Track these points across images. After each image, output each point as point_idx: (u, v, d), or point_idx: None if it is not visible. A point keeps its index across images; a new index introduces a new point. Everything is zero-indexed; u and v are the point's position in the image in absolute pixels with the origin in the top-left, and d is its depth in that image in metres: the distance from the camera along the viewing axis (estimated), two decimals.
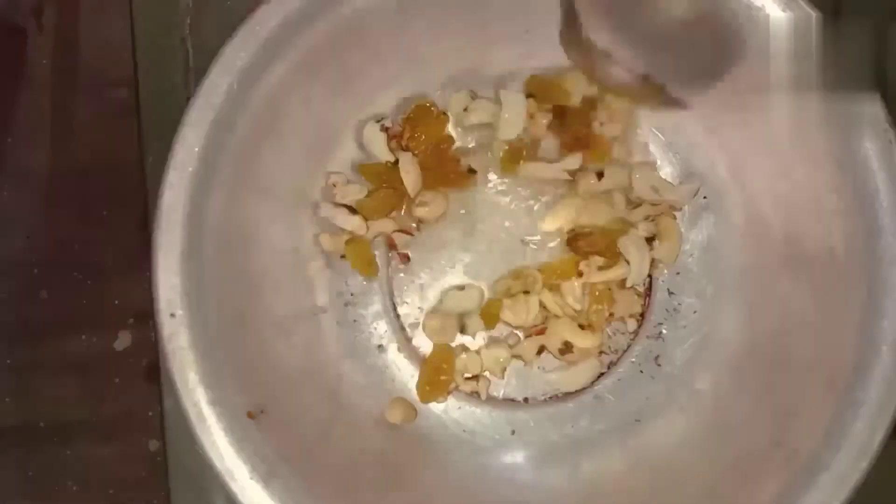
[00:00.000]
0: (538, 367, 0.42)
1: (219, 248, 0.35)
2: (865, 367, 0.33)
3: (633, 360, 0.41)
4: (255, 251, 0.38)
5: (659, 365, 0.41)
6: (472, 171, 0.42)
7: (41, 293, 0.45)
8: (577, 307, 0.41)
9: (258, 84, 0.35)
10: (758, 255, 0.40)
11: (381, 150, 0.41)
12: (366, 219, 0.41)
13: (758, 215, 0.40)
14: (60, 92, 0.46)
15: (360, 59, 0.39)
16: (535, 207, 0.42)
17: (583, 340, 0.41)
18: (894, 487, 0.36)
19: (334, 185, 0.41)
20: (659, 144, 0.42)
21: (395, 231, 0.42)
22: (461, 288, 0.42)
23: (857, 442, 0.33)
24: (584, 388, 0.41)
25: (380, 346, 0.42)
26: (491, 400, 0.41)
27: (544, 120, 0.42)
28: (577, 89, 0.42)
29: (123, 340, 0.44)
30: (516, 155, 0.42)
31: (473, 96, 0.42)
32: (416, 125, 0.42)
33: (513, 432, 0.41)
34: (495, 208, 0.42)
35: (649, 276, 0.41)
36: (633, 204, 0.42)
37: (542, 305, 0.41)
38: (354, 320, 0.41)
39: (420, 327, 0.42)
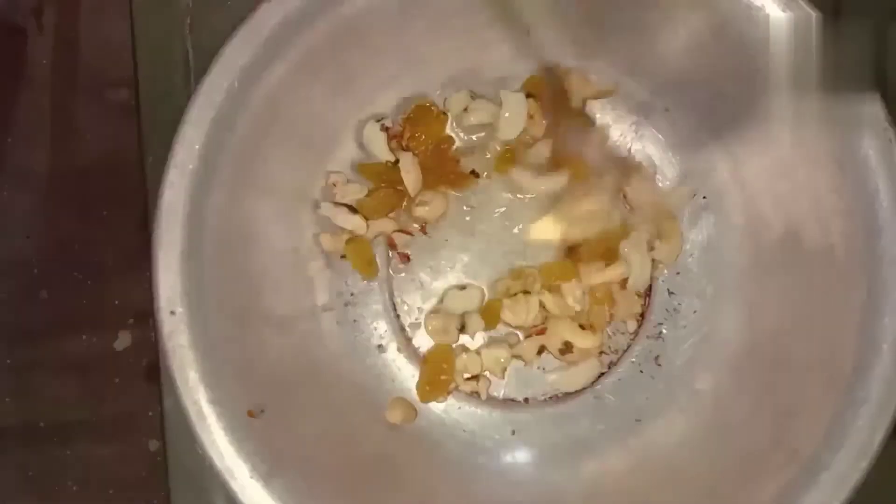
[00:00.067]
0: (538, 368, 0.42)
1: (219, 248, 0.35)
2: (866, 366, 0.33)
3: (633, 360, 0.41)
4: (255, 251, 0.38)
5: (659, 365, 0.41)
6: (475, 175, 0.42)
7: (41, 293, 0.45)
8: (578, 308, 0.41)
9: (258, 83, 0.35)
10: (758, 255, 0.40)
11: (381, 150, 0.41)
12: (366, 219, 0.41)
13: (758, 215, 0.40)
14: (60, 92, 0.46)
15: (360, 59, 0.39)
16: (537, 208, 0.42)
17: (583, 341, 0.41)
18: (894, 487, 0.36)
19: (334, 185, 0.41)
20: (659, 145, 0.42)
21: (395, 231, 0.42)
22: (462, 288, 0.42)
23: (857, 442, 0.33)
24: (584, 388, 0.41)
25: (380, 346, 0.42)
26: (491, 400, 0.41)
27: (544, 120, 0.42)
28: (578, 90, 0.42)
29: (123, 340, 0.44)
30: (510, 157, 0.42)
31: (473, 96, 0.42)
32: (416, 125, 0.42)
33: (513, 432, 0.41)
34: (496, 208, 0.42)
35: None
36: (632, 206, 0.42)
37: (542, 305, 0.41)
38: (354, 320, 0.41)
39: (420, 327, 0.42)
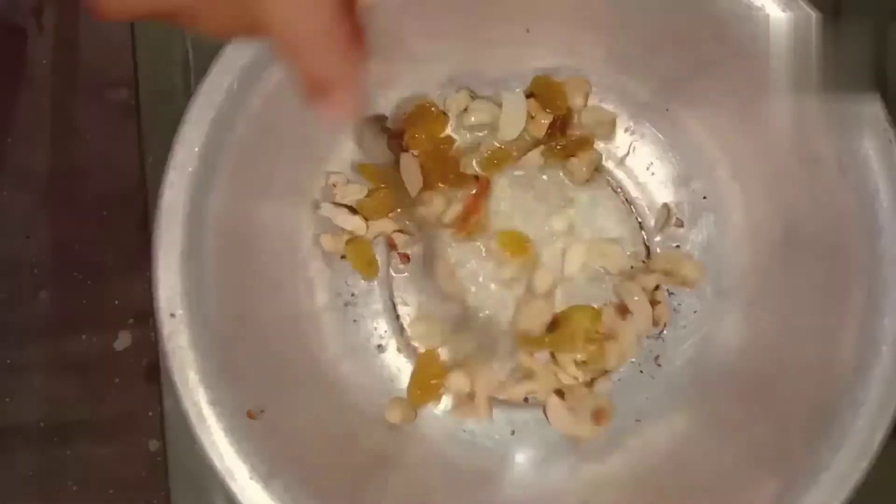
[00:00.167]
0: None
1: (219, 248, 0.35)
2: (865, 366, 0.33)
3: (633, 360, 0.41)
4: (255, 251, 0.38)
5: (659, 365, 0.41)
6: (484, 180, 0.42)
7: (41, 293, 0.45)
8: (570, 381, 0.41)
9: (258, 83, 0.35)
10: (758, 255, 0.40)
11: (381, 150, 0.41)
12: (366, 219, 0.41)
13: (758, 215, 0.40)
14: (60, 92, 0.46)
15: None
16: (537, 211, 0.42)
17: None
18: (894, 487, 0.36)
19: (334, 185, 0.41)
20: (659, 145, 0.42)
21: (395, 231, 0.42)
22: (449, 298, 0.41)
23: (857, 442, 0.33)
24: None
25: (379, 346, 0.42)
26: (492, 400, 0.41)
27: (544, 120, 0.42)
28: (579, 93, 0.42)
29: (123, 340, 0.44)
30: (502, 157, 0.42)
31: (473, 96, 0.42)
32: (416, 125, 0.42)
33: (513, 432, 0.41)
34: (497, 209, 0.42)
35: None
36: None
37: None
38: (354, 320, 0.41)
39: None
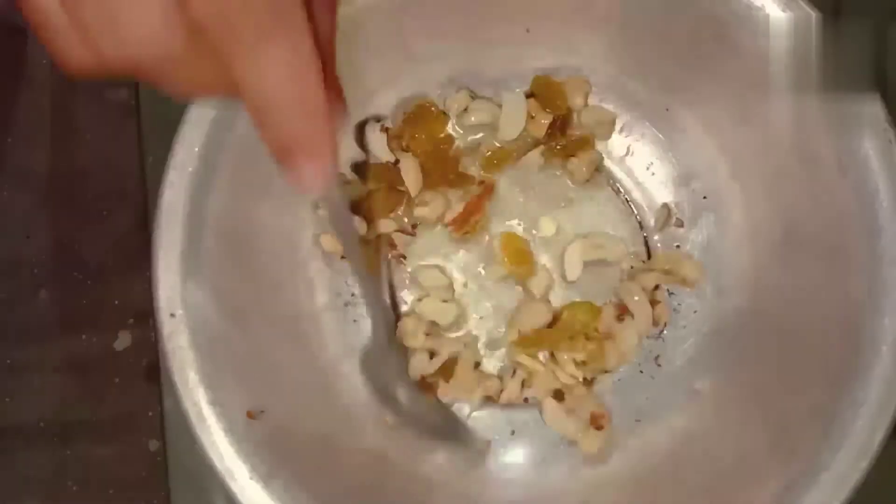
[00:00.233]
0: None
1: (219, 248, 0.35)
2: (865, 366, 0.33)
3: (633, 359, 0.41)
4: (255, 251, 0.38)
5: (659, 365, 0.41)
6: (489, 183, 0.42)
7: (41, 293, 0.45)
8: (569, 381, 0.41)
9: None
10: (758, 255, 0.40)
11: (381, 150, 0.41)
12: (366, 219, 0.41)
13: (758, 215, 0.40)
14: (60, 92, 0.46)
15: (360, 59, 0.39)
16: (537, 211, 0.42)
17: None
18: (894, 487, 0.36)
19: None
20: (659, 144, 0.42)
21: (395, 231, 0.42)
22: (445, 300, 0.41)
23: (857, 442, 0.33)
24: None
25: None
26: (491, 400, 0.41)
27: (544, 120, 0.42)
28: (579, 93, 0.42)
29: (123, 340, 0.44)
30: (502, 157, 0.42)
31: (473, 96, 0.42)
32: (416, 125, 0.42)
33: (513, 432, 0.41)
34: (496, 209, 0.42)
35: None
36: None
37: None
38: (354, 320, 0.41)
39: None
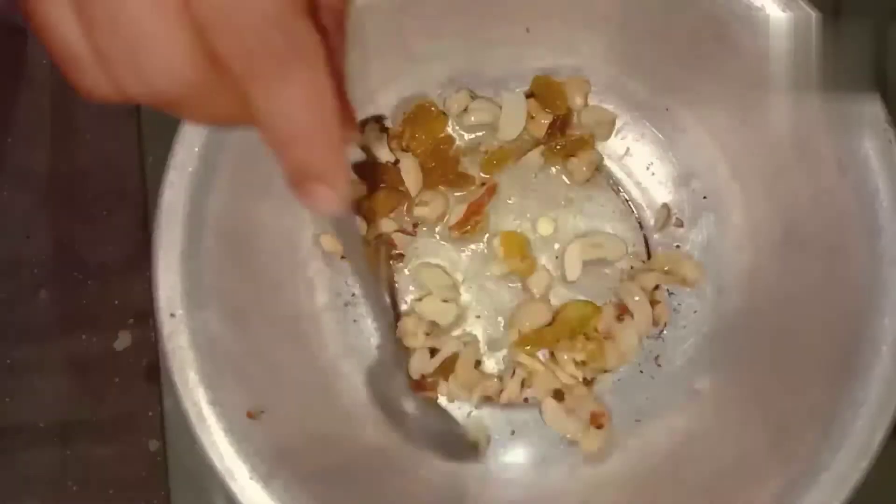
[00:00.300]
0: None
1: (219, 248, 0.35)
2: (865, 366, 0.33)
3: (633, 359, 0.41)
4: (255, 251, 0.38)
5: (659, 365, 0.41)
6: (491, 184, 0.42)
7: (41, 293, 0.45)
8: (569, 381, 0.41)
9: None
10: (758, 255, 0.40)
11: (381, 150, 0.41)
12: (366, 219, 0.41)
13: (758, 215, 0.40)
14: (60, 92, 0.46)
15: (359, 59, 0.39)
16: (537, 211, 0.42)
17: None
18: (894, 487, 0.36)
19: None
20: (659, 145, 0.42)
21: (395, 231, 0.42)
22: (446, 300, 0.41)
23: (857, 442, 0.33)
24: None
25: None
26: (491, 400, 0.41)
27: (544, 120, 0.42)
28: (579, 93, 0.42)
29: (123, 340, 0.44)
30: (502, 157, 0.42)
31: (473, 96, 0.42)
32: (416, 125, 0.42)
33: (513, 432, 0.41)
34: (496, 209, 0.42)
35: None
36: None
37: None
38: (354, 320, 0.41)
39: None
